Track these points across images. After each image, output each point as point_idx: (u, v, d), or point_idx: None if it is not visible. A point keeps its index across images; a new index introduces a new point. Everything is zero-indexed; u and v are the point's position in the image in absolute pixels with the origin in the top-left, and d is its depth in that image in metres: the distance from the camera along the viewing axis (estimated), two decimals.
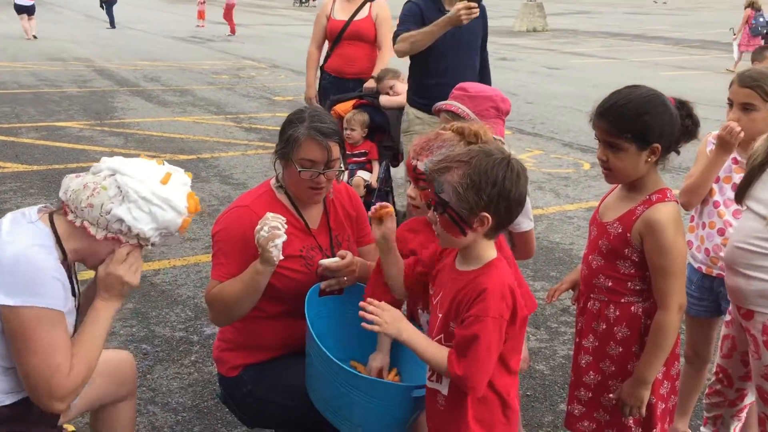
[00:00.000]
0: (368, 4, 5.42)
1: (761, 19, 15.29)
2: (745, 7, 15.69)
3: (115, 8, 23.14)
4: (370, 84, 5.21)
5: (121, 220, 1.96)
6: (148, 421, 3.14)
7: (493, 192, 1.83)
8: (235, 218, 2.39)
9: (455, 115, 2.53)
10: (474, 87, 2.60)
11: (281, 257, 2.19)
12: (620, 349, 2.30)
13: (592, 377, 2.37)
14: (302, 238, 2.47)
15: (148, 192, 1.97)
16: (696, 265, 2.83)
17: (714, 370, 2.65)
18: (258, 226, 2.18)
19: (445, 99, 2.67)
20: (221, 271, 2.36)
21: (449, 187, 1.85)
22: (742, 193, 2.36)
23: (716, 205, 2.76)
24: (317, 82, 5.64)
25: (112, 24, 23.03)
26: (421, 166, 2.13)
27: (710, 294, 2.82)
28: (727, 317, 2.54)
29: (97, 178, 2.00)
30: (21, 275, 1.88)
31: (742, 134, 2.61)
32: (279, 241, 2.15)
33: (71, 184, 2.02)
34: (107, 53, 16.46)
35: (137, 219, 1.97)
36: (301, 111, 2.43)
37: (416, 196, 2.22)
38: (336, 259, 2.37)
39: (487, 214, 1.84)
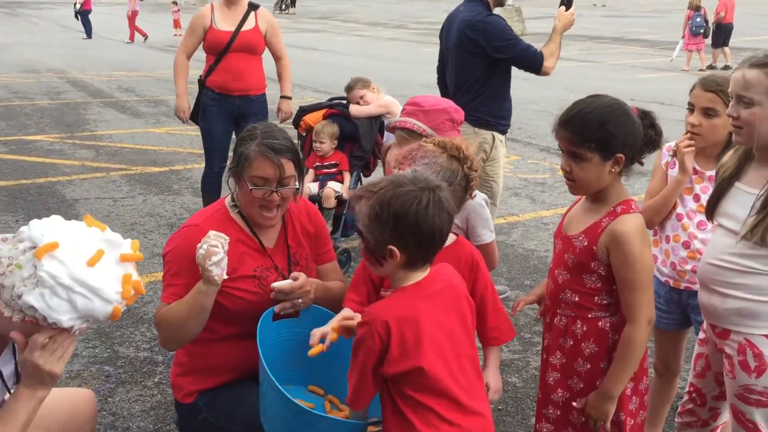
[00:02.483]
0: (252, 13, 5.05)
1: (698, 19, 16.15)
2: (687, 8, 16.58)
3: (92, 18, 22.93)
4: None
5: (33, 308, 1.65)
6: None
7: (396, 225, 1.77)
8: (184, 238, 2.31)
9: (411, 132, 2.47)
10: (427, 101, 2.54)
11: (224, 276, 2.12)
12: (588, 366, 2.24)
13: (560, 395, 2.30)
14: (256, 258, 2.38)
15: (66, 277, 1.65)
16: (663, 279, 2.77)
17: (687, 389, 2.57)
18: (198, 245, 2.10)
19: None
20: (170, 292, 2.28)
21: (361, 217, 1.82)
22: (711, 208, 2.30)
23: (679, 218, 2.71)
24: (188, 96, 5.23)
25: (89, 34, 22.83)
26: None
27: (678, 307, 2.76)
28: (701, 335, 2.47)
29: (15, 251, 1.69)
30: None
31: (690, 149, 2.59)
32: (216, 259, 2.08)
33: None
34: (82, 64, 16.28)
35: (52, 308, 1.66)
36: (253, 128, 2.35)
37: None
38: (289, 281, 2.29)
39: (394, 248, 1.79)
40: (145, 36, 22.09)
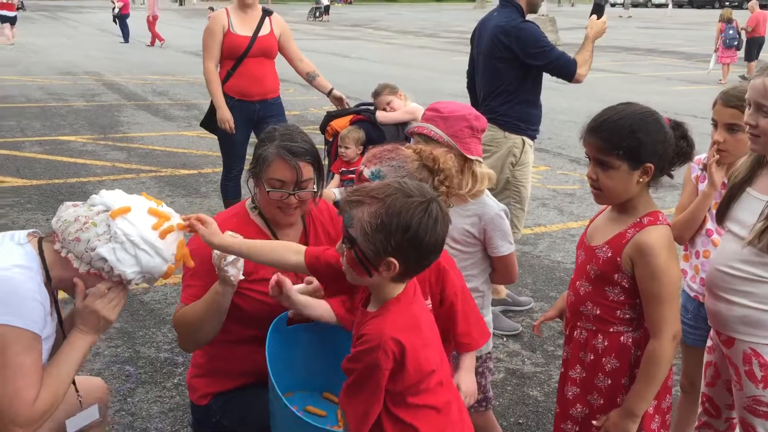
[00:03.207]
0: (267, 18, 5.09)
1: (731, 32, 15.97)
2: (719, 21, 16.41)
3: (130, 23, 23.29)
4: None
5: (104, 259, 1.91)
6: None
7: (403, 238, 1.66)
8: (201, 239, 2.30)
9: (428, 138, 2.43)
10: (446, 107, 2.49)
11: (240, 276, 2.11)
12: (609, 382, 2.18)
13: (579, 410, 2.25)
14: None
15: (136, 236, 1.93)
16: (692, 294, 2.70)
17: (701, 399, 2.51)
18: None
19: None
20: (188, 293, 2.28)
21: (358, 223, 1.68)
22: (722, 213, 2.24)
23: (709, 233, 2.64)
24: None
25: (126, 38, 23.18)
26: (366, 173, 2.03)
27: (707, 323, 2.67)
28: (709, 342, 2.41)
29: (90, 212, 1.96)
30: (0, 293, 1.84)
31: (716, 157, 2.54)
32: (231, 259, 2.08)
33: (64, 214, 1.99)
34: (118, 67, 16.54)
35: (121, 260, 1.92)
36: (273, 129, 2.34)
37: None
38: (302, 285, 2.26)
39: (394, 260, 1.68)
40: (162, 41, 22.41)
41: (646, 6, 60.61)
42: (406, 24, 36.44)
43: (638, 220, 2.10)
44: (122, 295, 2.03)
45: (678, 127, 2.13)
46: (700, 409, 2.54)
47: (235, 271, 2.10)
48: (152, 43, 22.47)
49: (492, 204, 2.51)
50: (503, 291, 4.42)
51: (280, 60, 5.25)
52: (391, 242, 1.66)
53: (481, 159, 2.48)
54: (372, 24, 36.47)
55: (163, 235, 1.96)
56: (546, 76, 4.22)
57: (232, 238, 2.03)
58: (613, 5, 53.27)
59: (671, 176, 2.14)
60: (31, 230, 2.07)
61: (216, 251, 2.09)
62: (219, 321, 2.21)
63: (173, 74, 15.58)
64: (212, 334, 2.25)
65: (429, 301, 2.14)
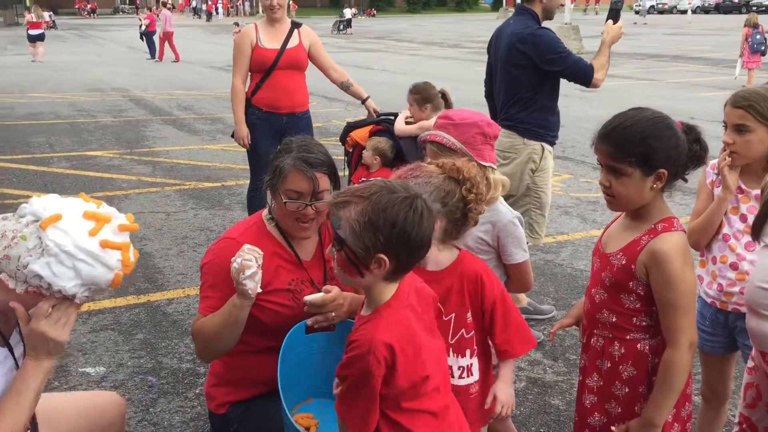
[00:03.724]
0: (296, 31, 5.11)
1: (758, 36, 15.74)
2: (744, 26, 16.18)
3: (156, 39, 23.68)
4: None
5: (39, 276, 1.72)
6: None
7: (391, 233, 1.69)
8: (221, 250, 2.33)
9: (441, 146, 2.44)
10: (458, 114, 2.50)
11: (258, 290, 2.11)
12: (626, 390, 2.16)
13: (597, 419, 2.23)
14: (292, 271, 2.39)
15: (71, 245, 1.72)
16: (709, 300, 2.66)
17: (737, 419, 2.45)
18: (233, 258, 2.11)
19: None
20: (206, 304, 2.30)
21: (346, 223, 1.71)
22: (758, 229, 2.19)
23: (726, 238, 2.60)
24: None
25: (153, 55, 23.56)
26: None
27: (724, 329, 2.64)
28: (750, 363, 2.35)
29: (19, 224, 1.76)
30: None
31: (730, 164, 2.50)
32: (249, 273, 2.07)
33: None
34: (145, 83, 16.81)
35: (57, 275, 1.73)
36: (290, 141, 2.37)
37: None
38: (320, 294, 2.28)
39: (384, 257, 1.70)
40: (161, 59, 23.05)
41: (671, 12, 60.17)
42: (429, 35, 36.52)
43: (652, 226, 2.08)
44: (70, 312, 1.82)
45: (691, 131, 2.11)
46: (735, 429, 2.49)
47: (253, 284, 2.09)
48: (160, 58, 23.06)
49: (505, 211, 2.51)
50: (525, 299, 4.39)
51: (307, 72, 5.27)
52: (380, 238, 1.68)
53: (494, 165, 2.47)
54: (395, 36, 36.61)
55: (104, 244, 1.76)
56: (569, 85, 4.21)
57: None
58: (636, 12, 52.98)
59: (685, 180, 2.11)
60: None
61: (234, 264, 2.10)
62: (236, 333, 2.22)
63: (199, 89, 15.79)
64: (230, 346, 2.26)
65: (469, 314, 2.15)
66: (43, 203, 1.79)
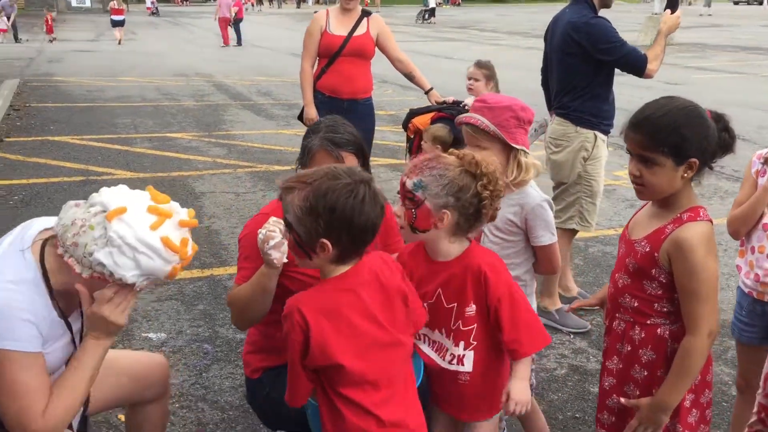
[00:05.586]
0: (365, 19, 5.20)
1: None
2: None
3: (244, 27, 24.32)
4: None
5: (102, 264, 1.84)
6: (195, 416, 3.27)
7: (332, 219, 1.76)
8: (255, 224, 2.45)
9: (476, 128, 2.49)
10: (493, 98, 2.54)
11: (284, 260, 2.20)
12: (645, 373, 2.18)
13: (616, 401, 2.25)
14: None
15: (132, 238, 1.83)
16: (746, 290, 2.62)
17: (756, 408, 2.42)
18: (259, 230, 2.22)
19: None
20: (241, 274, 2.43)
21: (291, 208, 1.81)
22: None
23: (765, 228, 2.56)
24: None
25: (239, 42, 24.24)
26: (409, 183, 2.07)
27: (762, 320, 2.60)
28: None
29: (88, 214, 1.87)
30: None
31: None
32: (273, 243, 2.15)
33: (64, 216, 1.91)
34: (228, 69, 17.33)
35: (119, 265, 1.84)
36: (319, 122, 2.47)
37: (401, 215, 2.12)
38: None
39: (326, 241, 1.77)
40: (227, 44, 24.00)
41: (748, 3, 57.18)
42: (514, 25, 35.98)
43: (678, 215, 2.08)
44: (129, 298, 1.96)
45: (720, 119, 2.10)
46: (753, 418, 2.47)
47: (279, 254, 2.16)
48: (225, 43, 24.05)
49: (534, 194, 2.54)
50: (574, 289, 4.38)
51: (381, 61, 5.33)
52: (320, 223, 1.77)
53: (527, 149, 2.51)
54: (479, 25, 36.27)
55: (165, 240, 1.86)
56: (657, 75, 4.16)
57: None
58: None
59: (712, 168, 2.11)
60: (43, 227, 2.02)
61: (260, 235, 2.19)
62: (266, 301, 2.32)
63: (280, 76, 16.17)
64: (261, 313, 2.37)
65: (473, 307, 2.12)
66: (111, 195, 1.89)
